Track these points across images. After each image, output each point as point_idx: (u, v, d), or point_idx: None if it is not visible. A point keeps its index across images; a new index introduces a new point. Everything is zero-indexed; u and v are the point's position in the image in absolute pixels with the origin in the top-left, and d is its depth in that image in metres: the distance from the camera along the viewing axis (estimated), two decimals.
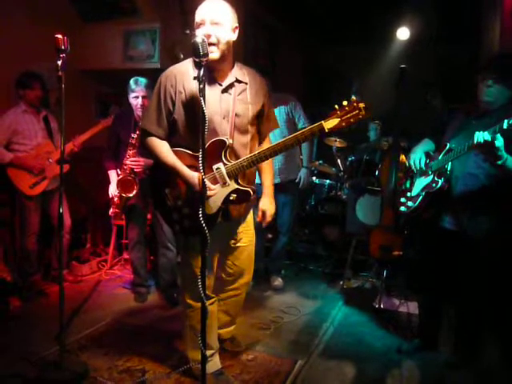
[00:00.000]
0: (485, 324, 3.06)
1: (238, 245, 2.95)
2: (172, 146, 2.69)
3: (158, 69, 4.98)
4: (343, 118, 2.39)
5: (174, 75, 2.63)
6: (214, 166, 2.59)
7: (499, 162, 2.52)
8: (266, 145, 2.87)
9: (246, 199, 2.72)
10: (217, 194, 2.60)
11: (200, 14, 2.52)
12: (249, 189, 2.66)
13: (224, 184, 2.61)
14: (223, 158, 2.60)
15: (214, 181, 2.61)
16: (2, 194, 4.36)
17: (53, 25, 4.36)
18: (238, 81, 2.67)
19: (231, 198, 2.64)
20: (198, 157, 2.28)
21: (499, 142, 2.46)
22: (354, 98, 2.37)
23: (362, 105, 2.36)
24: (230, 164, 2.60)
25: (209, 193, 2.55)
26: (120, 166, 4.08)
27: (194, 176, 2.57)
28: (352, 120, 2.38)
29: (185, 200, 2.68)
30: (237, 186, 2.63)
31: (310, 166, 4.82)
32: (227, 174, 2.60)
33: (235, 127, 2.67)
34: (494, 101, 2.77)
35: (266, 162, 2.73)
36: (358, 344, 3.52)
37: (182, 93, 2.60)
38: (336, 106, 2.39)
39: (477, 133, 2.52)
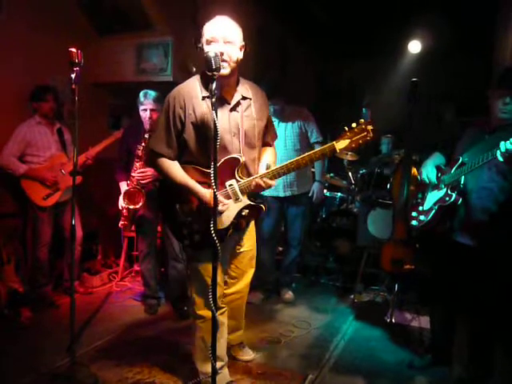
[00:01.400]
0: (498, 340, 3.03)
1: (241, 250, 3.02)
2: (182, 163, 2.72)
3: (170, 82, 5.02)
4: (353, 140, 2.48)
5: (183, 97, 2.64)
6: (227, 183, 2.66)
7: None
8: (271, 154, 2.97)
9: (258, 214, 2.80)
10: (230, 209, 2.65)
11: (211, 31, 2.54)
12: (261, 205, 2.72)
13: (237, 200, 2.67)
14: (236, 175, 2.66)
15: (227, 197, 2.66)
16: (14, 205, 4.40)
17: (67, 38, 4.41)
18: (243, 98, 2.72)
19: (243, 213, 2.70)
20: (209, 173, 2.31)
21: None
22: (362, 120, 2.46)
23: (370, 127, 2.45)
24: (242, 181, 2.67)
25: (222, 208, 2.61)
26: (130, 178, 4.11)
27: (207, 193, 2.61)
28: (360, 141, 2.48)
29: (196, 215, 2.70)
30: (249, 202, 2.69)
31: (323, 179, 4.81)
32: (240, 190, 2.65)
33: (245, 143, 2.71)
34: (510, 117, 2.76)
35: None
36: (369, 359, 3.50)
37: (192, 114, 2.62)
38: (346, 128, 2.48)
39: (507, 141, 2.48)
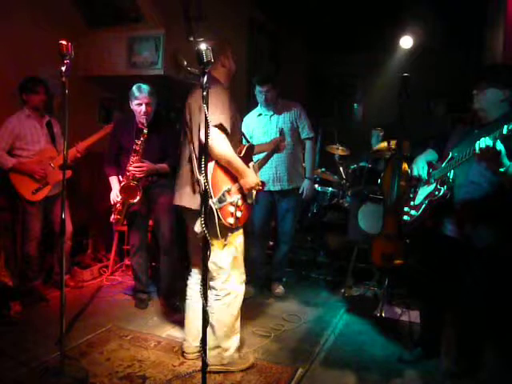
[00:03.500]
0: (487, 333, 3.05)
1: None
2: None
3: (161, 75, 5.00)
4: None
5: None
6: (250, 164, 3.15)
7: (502, 170, 2.49)
8: None
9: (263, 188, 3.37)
10: None
11: None
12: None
13: None
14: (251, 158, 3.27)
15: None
16: (3, 199, 4.36)
17: (58, 30, 4.39)
18: None
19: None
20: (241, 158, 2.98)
21: (500, 147, 2.42)
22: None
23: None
24: (256, 163, 3.34)
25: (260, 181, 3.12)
26: (122, 173, 4.08)
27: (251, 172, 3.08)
28: None
29: (240, 194, 3.03)
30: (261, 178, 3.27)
31: (313, 175, 4.81)
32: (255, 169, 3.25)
33: None
34: (485, 107, 2.80)
35: None
36: (358, 352, 3.51)
37: None
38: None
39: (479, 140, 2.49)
